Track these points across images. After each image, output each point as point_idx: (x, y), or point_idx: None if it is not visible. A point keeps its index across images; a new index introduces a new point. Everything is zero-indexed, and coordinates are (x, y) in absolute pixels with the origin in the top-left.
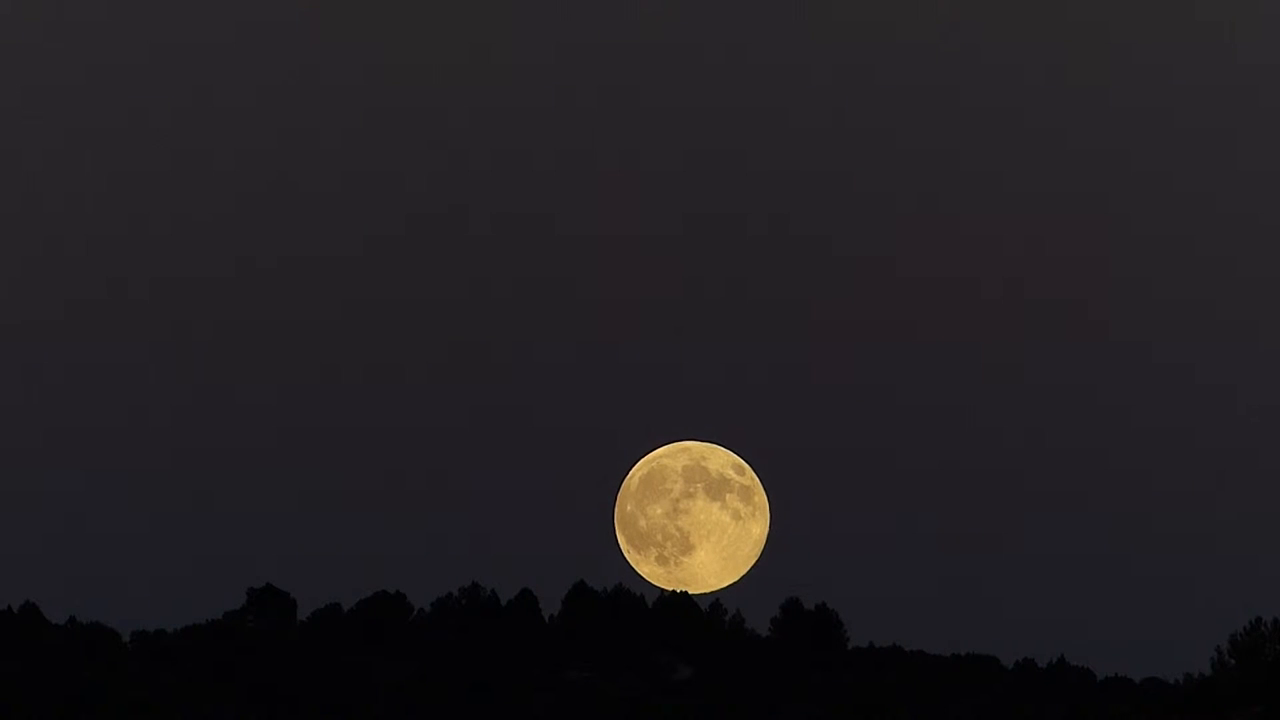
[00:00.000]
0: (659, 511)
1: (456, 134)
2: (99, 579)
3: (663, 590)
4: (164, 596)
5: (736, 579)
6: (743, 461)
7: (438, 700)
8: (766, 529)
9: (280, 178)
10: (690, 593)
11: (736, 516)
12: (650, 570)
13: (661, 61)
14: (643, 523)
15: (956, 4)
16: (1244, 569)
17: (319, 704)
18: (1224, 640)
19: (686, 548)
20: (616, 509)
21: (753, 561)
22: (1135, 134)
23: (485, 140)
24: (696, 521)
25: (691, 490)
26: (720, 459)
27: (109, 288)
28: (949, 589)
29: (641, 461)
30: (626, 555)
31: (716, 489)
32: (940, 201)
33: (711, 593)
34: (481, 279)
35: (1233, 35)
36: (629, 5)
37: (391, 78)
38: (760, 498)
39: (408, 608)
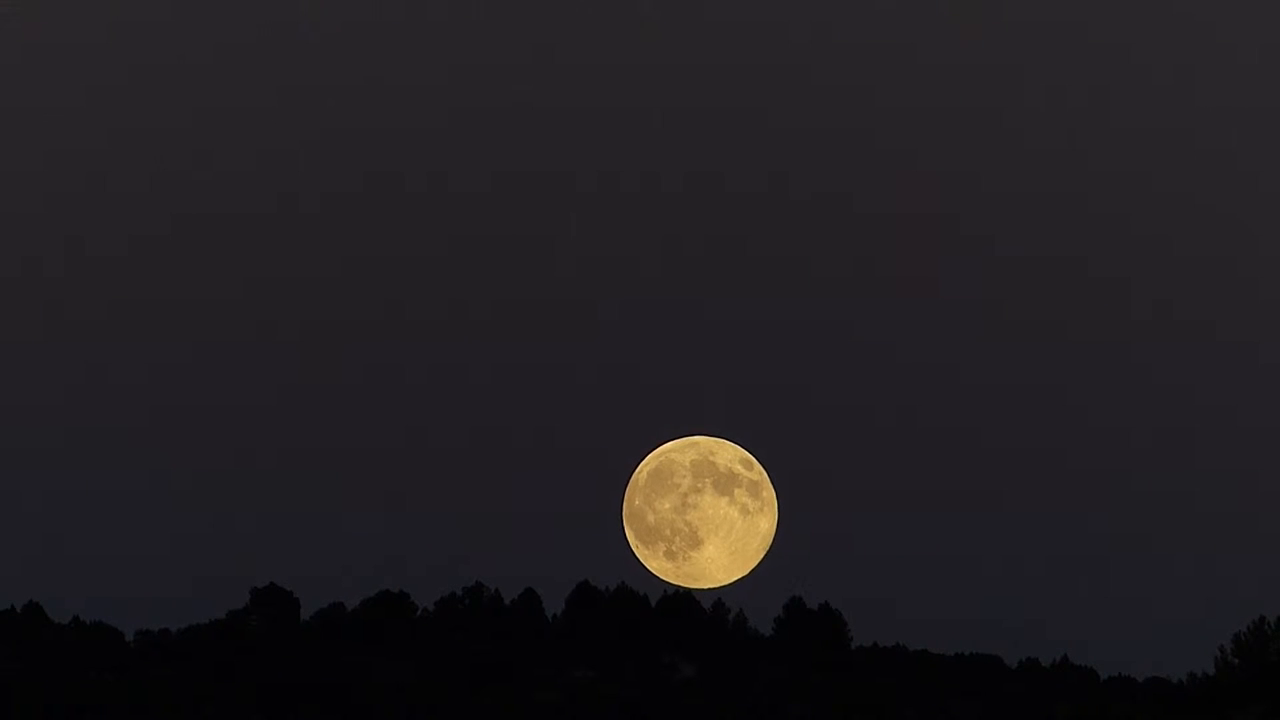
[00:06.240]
0: (667, 506)
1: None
2: (102, 578)
3: (668, 587)
4: (167, 596)
5: (745, 573)
6: (751, 456)
7: (440, 700)
8: (775, 523)
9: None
10: (699, 588)
11: (745, 511)
12: (659, 565)
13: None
14: (651, 518)
15: None
16: (1247, 568)
17: (321, 704)
18: (1228, 639)
19: (695, 542)
20: (624, 504)
21: (761, 556)
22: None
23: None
24: (705, 516)
25: (700, 485)
26: (728, 454)
27: (106, 286)
28: (953, 588)
29: (649, 456)
30: (635, 550)
31: (725, 484)
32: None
33: (719, 588)
34: (479, 278)
35: None
36: None
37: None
38: (768, 492)
39: (411, 607)
